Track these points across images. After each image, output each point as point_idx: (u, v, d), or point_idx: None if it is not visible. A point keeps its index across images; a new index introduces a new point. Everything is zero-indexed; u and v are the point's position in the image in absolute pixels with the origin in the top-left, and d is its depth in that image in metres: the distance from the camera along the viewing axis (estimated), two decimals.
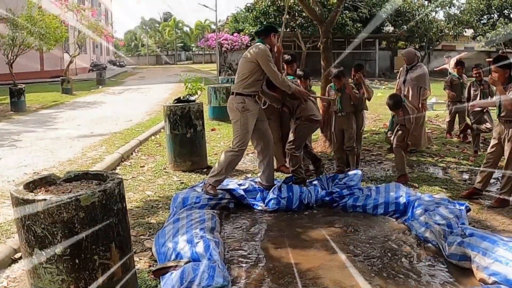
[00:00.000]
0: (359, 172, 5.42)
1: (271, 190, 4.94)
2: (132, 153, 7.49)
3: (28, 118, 12.33)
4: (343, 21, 23.97)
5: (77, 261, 2.40)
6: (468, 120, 7.80)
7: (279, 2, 23.84)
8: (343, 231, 4.22)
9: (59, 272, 2.40)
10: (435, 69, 17.71)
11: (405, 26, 28.46)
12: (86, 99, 17.31)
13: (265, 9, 24.95)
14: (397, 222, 4.47)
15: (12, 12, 14.99)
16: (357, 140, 6.03)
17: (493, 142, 4.94)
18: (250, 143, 5.11)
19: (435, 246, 3.82)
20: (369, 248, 3.84)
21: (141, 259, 3.63)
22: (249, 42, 27.03)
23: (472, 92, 7.50)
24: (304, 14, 21.86)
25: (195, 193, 4.68)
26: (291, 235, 4.17)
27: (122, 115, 12.36)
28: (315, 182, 5.26)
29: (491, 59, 5.21)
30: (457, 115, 8.33)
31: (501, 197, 4.79)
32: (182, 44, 69.46)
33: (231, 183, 5.10)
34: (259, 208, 4.83)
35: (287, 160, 5.59)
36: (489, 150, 4.99)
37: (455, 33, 29.54)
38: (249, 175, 5.91)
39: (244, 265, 3.58)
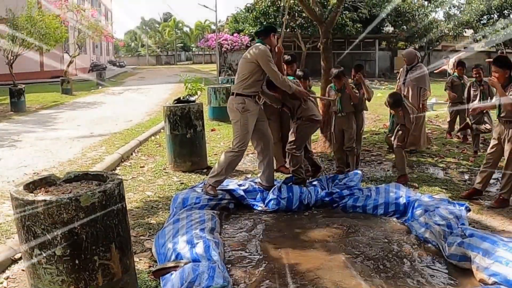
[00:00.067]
0: (359, 172, 5.43)
1: (271, 190, 4.93)
2: (132, 154, 7.50)
3: (28, 119, 12.34)
4: (343, 21, 23.99)
5: (77, 261, 2.40)
6: (468, 120, 7.80)
7: (279, 3, 23.84)
8: (343, 232, 4.22)
9: (59, 272, 2.40)
10: (434, 71, 17.72)
11: (405, 27, 28.49)
12: (86, 100, 17.32)
13: (265, 10, 24.96)
14: (397, 223, 4.47)
15: (12, 13, 15.00)
16: (357, 140, 6.03)
17: (493, 142, 4.94)
18: (250, 144, 5.11)
19: (435, 246, 3.82)
20: (369, 248, 3.83)
21: (141, 259, 3.63)
22: (249, 43, 27.05)
23: (472, 92, 7.51)
24: (304, 15, 21.88)
25: (195, 194, 4.68)
26: (291, 236, 4.17)
27: (122, 115, 12.36)
28: (315, 182, 5.26)
29: (491, 60, 5.22)
30: (458, 116, 8.32)
31: (501, 197, 4.79)
32: (182, 45, 69.47)
33: (231, 183, 5.10)
34: (259, 208, 4.82)
35: (287, 160, 5.59)
36: (489, 150, 5.00)
37: (455, 34, 29.55)
38: (249, 176, 5.91)
39: (244, 265, 3.58)
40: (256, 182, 5.18)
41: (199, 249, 3.38)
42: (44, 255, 2.40)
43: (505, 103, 4.63)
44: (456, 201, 4.56)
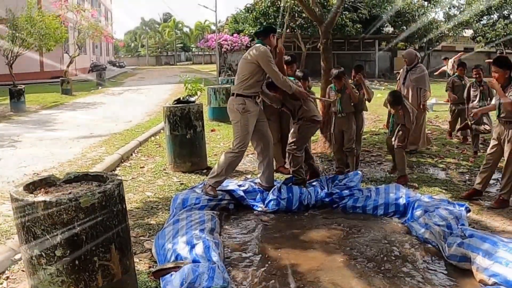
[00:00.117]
0: (359, 173, 5.43)
1: (271, 191, 4.93)
2: (132, 154, 7.49)
3: (28, 119, 12.34)
4: (343, 22, 23.99)
5: (77, 262, 2.40)
6: (467, 121, 7.80)
7: (279, 3, 23.84)
8: (342, 232, 4.22)
9: (58, 273, 2.40)
10: (434, 74, 17.73)
11: (405, 27, 28.48)
12: (86, 100, 17.32)
13: (264, 10, 24.97)
14: (397, 223, 4.47)
15: (12, 13, 15.00)
16: (356, 141, 6.03)
17: (492, 143, 4.94)
18: (249, 144, 5.11)
19: (435, 247, 3.82)
20: (369, 249, 3.83)
21: (141, 260, 3.63)
22: (249, 43, 27.05)
23: (472, 92, 7.51)
24: (304, 15, 21.88)
25: (195, 194, 4.68)
26: (290, 236, 4.17)
27: (121, 116, 12.36)
28: (315, 183, 5.26)
29: (490, 60, 5.22)
30: (460, 117, 8.31)
31: (501, 198, 4.79)
32: (182, 45, 69.47)
33: (231, 184, 5.10)
34: (259, 209, 4.82)
35: (287, 161, 5.59)
36: (488, 151, 5.00)
37: (455, 34, 29.55)
38: (248, 176, 5.91)
39: (244, 266, 3.58)
40: (256, 183, 5.18)
41: (199, 249, 3.38)
42: (44, 255, 2.40)
43: (505, 104, 4.63)
44: (456, 202, 4.56)
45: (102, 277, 2.49)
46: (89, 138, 9.07)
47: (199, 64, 56.61)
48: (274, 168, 5.56)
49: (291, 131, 5.48)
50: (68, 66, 22.42)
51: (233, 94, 4.94)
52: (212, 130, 9.47)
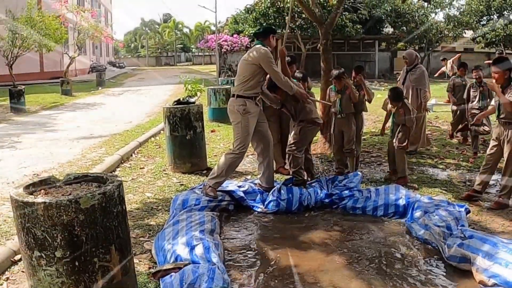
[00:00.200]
0: (359, 174, 5.43)
1: (271, 192, 4.93)
2: (131, 155, 7.49)
3: (28, 120, 12.33)
4: (343, 22, 24.00)
5: (77, 263, 2.41)
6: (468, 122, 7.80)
7: (279, 4, 23.85)
8: (342, 233, 4.23)
9: (59, 274, 2.41)
10: (435, 75, 17.77)
11: (404, 28, 28.52)
12: (85, 101, 17.32)
13: (264, 11, 24.97)
14: (396, 224, 4.47)
15: (12, 14, 14.99)
16: (356, 141, 6.04)
17: (492, 143, 4.94)
18: (249, 145, 5.11)
19: (435, 248, 3.82)
20: (369, 250, 3.84)
21: (140, 261, 3.63)
22: (249, 44, 27.05)
23: (471, 93, 7.52)
24: (304, 16, 21.88)
25: (195, 195, 4.68)
26: (290, 237, 4.17)
27: (121, 116, 12.36)
28: (314, 184, 5.26)
29: (490, 61, 5.23)
30: (462, 119, 8.28)
31: (500, 199, 4.79)
32: (181, 46, 69.50)
33: (231, 184, 5.10)
34: (259, 210, 4.82)
35: (286, 161, 5.60)
36: (488, 151, 5.00)
37: (455, 35, 29.58)
38: (248, 177, 5.91)
39: (243, 267, 3.58)
40: (255, 184, 5.18)
41: (199, 250, 3.38)
42: (44, 257, 2.40)
43: (505, 104, 4.64)
44: (455, 203, 4.57)
45: (102, 278, 2.49)
46: (89, 138, 9.07)
47: (199, 65, 56.63)
48: (274, 169, 5.56)
49: (292, 132, 5.48)
50: (68, 67, 22.39)
51: (233, 95, 4.93)
52: (212, 131, 9.47)
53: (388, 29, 30.52)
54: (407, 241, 4.03)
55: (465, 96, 7.68)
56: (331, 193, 5.00)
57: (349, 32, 24.69)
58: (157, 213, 4.74)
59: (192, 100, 6.85)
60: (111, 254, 2.52)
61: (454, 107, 8.26)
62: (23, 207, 2.40)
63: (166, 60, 66.20)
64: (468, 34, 31.42)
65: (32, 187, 2.68)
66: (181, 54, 71.29)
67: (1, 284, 3.32)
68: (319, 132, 7.04)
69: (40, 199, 2.42)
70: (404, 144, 5.56)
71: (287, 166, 5.72)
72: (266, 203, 4.84)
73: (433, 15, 29.58)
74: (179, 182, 5.85)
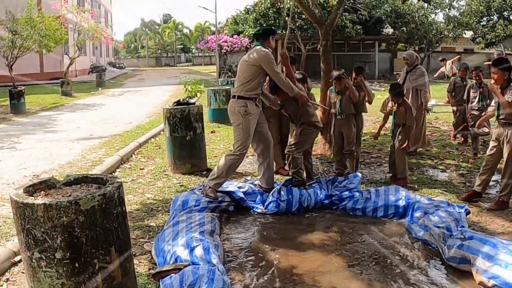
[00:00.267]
0: (359, 174, 5.44)
1: (271, 193, 4.93)
2: (131, 156, 7.49)
3: (28, 120, 12.34)
4: (343, 23, 24.01)
5: (77, 264, 2.41)
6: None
7: (279, 4, 23.86)
8: (342, 234, 4.23)
9: (59, 275, 2.41)
10: (434, 76, 17.78)
11: (404, 28, 28.52)
12: (85, 101, 17.32)
13: (264, 11, 24.99)
14: (396, 225, 4.47)
15: (12, 14, 15.00)
16: (356, 142, 6.04)
17: (492, 144, 4.94)
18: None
19: (435, 249, 3.82)
20: (369, 251, 3.84)
21: (140, 262, 3.63)
22: (249, 44, 27.04)
23: (471, 94, 7.51)
24: (304, 16, 21.89)
25: (195, 196, 4.68)
26: (290, 238, 4.17)
27: (121, 117, 12.36)
28: (314, 185, 5.26)
29: (490, 62, 5.24)
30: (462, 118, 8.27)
31: (500, 199, 4.80)
32: (181, 46, 69.52)
33: (231, 185, 5.10)
34: (259, 211, 4.82)
35: (286, 162, 5.60)
36: (488, 152, 5.00)
37: (455, 35, 29.59)
38: (248, 178, 5.91)
39: (243, 268, 3.58)
40: (255, 184, 5.18)
41: (199, 251, 3.38)
42: (44, 258, 2.40)
43: (504, 105, 4.64)
44: (455, 204, 4.57)
45: (102, 280, 2.49)
46: (89, 139, 9.08)
47: (199, 65, 56.64)
48: (274, 169, 5.56)
49: (293, 133, 5.49)
50: (68, 68, 22.40)
51: (234, 96, 4.93)
52: (212, 132, 9.47)
53: (388, 30, 30.53)
54: (407, 242, 4.03)
55: (465, 97, 7.68)
56: (331, 194, 5.00)
57: (349, 32, 24.70)
58: (157, 214, 4.74)
59: (192, 101, 6.85)
60: (111, 255, 2.52)
61: (455, 108, 8.26)
62: (23, 208, 2.40)
63: (166, 61, 66.22)
64: (468, 34, 31.43)
65: (32, 188, 2.68)
66: (181, 55, 71.31)
67: (1, 285, 3.32)
68: (319, 133, 7.05)
69: (40, 200, 2.42)
70: (406, 145, 5.55)
71: (286, 167, 5.72)
72: (266, 204, 4.84)
73: (433, 15, 29.60)
74: (179, 183, 5.85)
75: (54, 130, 10.47)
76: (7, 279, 3.41)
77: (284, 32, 5.63)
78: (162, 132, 9.04)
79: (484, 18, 29.39)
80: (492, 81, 4.81)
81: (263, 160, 5.10)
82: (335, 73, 5.81)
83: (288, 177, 5.42)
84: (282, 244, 4.02)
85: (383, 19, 27.96)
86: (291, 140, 5.52)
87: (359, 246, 3.94)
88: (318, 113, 6.41)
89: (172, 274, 3.12)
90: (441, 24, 29.74)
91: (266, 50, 4.84)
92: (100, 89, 22.59)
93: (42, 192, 2.67)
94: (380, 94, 15.00)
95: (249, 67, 4.83)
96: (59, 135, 9.63)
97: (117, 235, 2.57)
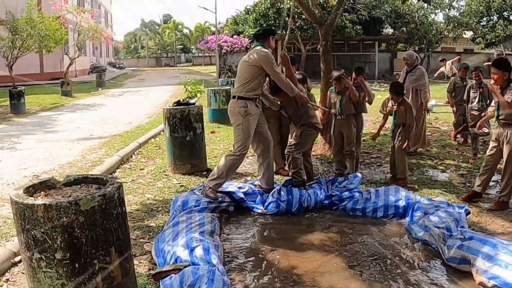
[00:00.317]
0: (359, 175, 5.43)
1: (271, 193, 4.93)
2: (131, 156, 7.49)
3: (28, 121, 12.34)
4: (343, 23, 24.01)
5: (76, 265, 2.41)
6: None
7: (279, 5, 23.86)
8: (342, 235, 4.23)
9: (58, 276, 2.41)
10: (434, 76, 17.79)
11: (404, 28, 28.53)
12: (85, 101, 17.32)
13: (264, 12, 24.99)
14: (396, 225, 4.47)
15: (12, 15, 15.00)
16: (356, 143, 6.04)
17: (492, 144, 4.94)
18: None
19: (435, 249, 3.82)
20: (368, 251, 3.84)
21: (140, 262, 3.63)
22: (249, 45, 27.04)
23: (471, 94, 7.51)
24: (303, 17, 21.89)
25: (195, 196, 4.68)
26: (290, 239, 4.17)
27: (121, 117, 12.36)
28: (314, 185, 5.26)
29: (489, 63, 5.24)
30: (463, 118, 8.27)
31: (500, 200, 4.80)
32: (181, 46, 69.50)
33: (231, 186, 5.10)
34: (259, 211, 4.82)
35: (286, 163, 5.60)
36: (488, 152, 5.00)
37: (455, 35, 29.60)
38: (248, 178, 5.91)
39: (243, 268, 3.58)
40: (255, 185, 5.18)
41: (199, 252, 3.39)
42: (44, 258, 2.40)
43: (504, 106, 4.64)
44: (455, 204, 4.57)
45: (102, 280, 2.49)
46: (89, 139, 9.08)
47: (199, 66, 56.62)
48: (274, 170, 5.56)
49: (293, 134, 5.50)
50: (68, 68, 22.40)
51: (234, 97, 4.93)
52: (212, 132, 9.47)
53: (388, 30, 30.54)
54: (407, 243, 4.03)
55: (465, 97, 7.68)
56: (331, 195, 5.00)
57: (349, 33, 24.71)
58: (157, 214, 4.74)
59: (192, 101, 6.85)
60: (111, 256, 2.52)
61: (455, 108, 8.26)
62: (23, 209, 2.40)
63: (166, 61, 66.20)
64: (468, 35, 31.43)
65: (32, 189, 2.68)
66: (181, 55, 71.30)
67: (1, 286, 3.32)
68: (319, 134, 7.05)
69: (40, 200, 2.43)
70: (406, 145, 5.55)
71: (286, 168, 5.72)
72: (266, 204, 4.84)
73: (433, 15, 29.61)
74: (179, 183, 5.86)
75: (54, 130, 10.47)
76: (7, 280, 3.41)
77: (284, 32, 5.62)
78: (162, 133, 9.04)
79: (484, 18, 29.38)
80: (492, 82, 4.81)
81: (263, 161, 5.10)
82: (335, 74, 5.81)
83: (288, 178, 5.43)
84: (282, 244, 4.02)
85: (383, 19, 27.97)
86: (291, 140, 5.52)
87: (359, 246, 3.94)
88: (318, 114, 6.41)
89: (172, 275, 3.12)
90: (441, 24, 29.73)
91: (266, 50, 4.84)
92: (100, 89, 22.59)
93: (42, 192, 2.67)
94: (380, 94, 15.00)
95: (249, 67, 4.83)
96: (59, 135, 9.63)
97: (117, 236, 2.57)
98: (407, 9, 27.86)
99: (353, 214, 4.76)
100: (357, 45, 29.23)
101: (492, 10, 28.53)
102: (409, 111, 5.58)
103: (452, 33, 29.34)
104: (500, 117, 4.76)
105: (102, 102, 16.82)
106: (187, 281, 2.96)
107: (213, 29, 42.51)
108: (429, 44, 29.64)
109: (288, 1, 20.27)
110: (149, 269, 3.52)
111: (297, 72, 6.08)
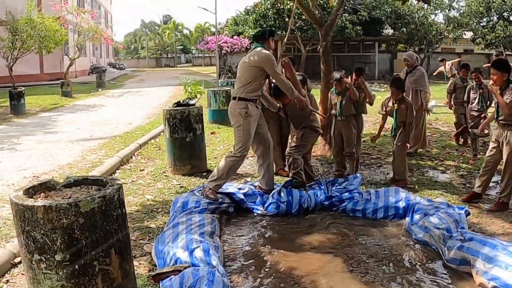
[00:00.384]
0: (359, 176, 5.43)
1: (271, 194, 4.93)
2: (131, 157, 7.49)
3: (28, 121, 12.34)
4: (343, 24, 24.04)
5: (76, 266, 2.41)
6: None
7: (279, 5, 23.87)
8: (342, 236, 4.23)
9: (58, 278, 2.41)
10: (433, 74, 17.83)
11: (404, 29, 28.54)
12: (85, 102, 17.32)
13: (264, 12, 25.00)
14: (396, 226, 4.47)
15: (11, 15, 15.00)
16: (356, 143, 6.03)
17: (492, 145, 4.94)
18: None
19: (435, 250, 3.82)
20: (368, 252, 3.84)
21: (140, 263, 3.63)
22: (249, 45, 27.04)
23: (471, 95, 7.51)
24: (303, 17, 21.90)
25: (195, 197, 4.68)
26: (290, 240, 4.17)
27: (121, 118, 12.36)
28: (314, 186, 5.26)
29: (489, 64, 5.25)
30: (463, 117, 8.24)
31: (500, 200, 4.80)
32: (181, 47, 69.51)
33: (231, 187, 5.10)
34: (259, 212, 4.82)
35: (286, 164, 5.60)
36: (488, 153, 5.00)
37: (455, 36, 29.62)
38: (248, 179, 5.91)
39: (243, 270, 3.58)
40: (255, 186, 5.18)
41: (199, 253, 3.38)
42: (44, 260, 2.40)
43: (503, 106, 4.64)
44: (455, 205, 4.57)
45: (102, 282, 2.49)
46: (89, 140, 9.07)
47: (199, 66, 56.60)
48: (274, 171, 5.56)
49: (294, 136, 5.50)
50: (68, 68, 22.40)
51: (234, 98, 4.92)
52: (212, 133, 9.47)
53: (388, 31, 30.56)
54: (407, 244, 4.03)
55: (465, 98, 7.68)
56: (331, 196, 5.00)
57: (349, 33, 24.73)
58: (157, 215, 4.74)
59: (192, 102, 6.86)
60: (111, 257, 2.52)
61: (454, 108, 8.26)
62: (23, 210, 2.40)
63: (166, 62, 66.20)
64: (468, 35, 31.45)
65: (32, 190, 2.68)
66: (181, 56, 71.29)
67: (1, 287, 3.32)
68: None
69: (40, 202, 2.42)
70: (406, 143, 5.55)
71: (286, 168, 5.72)
72: (266, 205, 4.84)
73: (433, 16, 29.62)
74: (179, 184, 5.85)
75: (54, 131, 10.47)
76: (7, 281, 3.41)
77: (284, 33, 5.62)
78: (162, 133, 9.03)
79: (484, 19, 29.43)
80: (491, 82, 4.82)
81: (263, 162, 5.10)
82: (336, 75, 5.80)
83: (288, 179, 5.43)
84: (282, 245, 4.02)
85: (383, 20, 27.98)
86: (291, 142, 5.52)
87: (359, 247, 3.94)
88: (320, 110, 6.42)
89: (172, 276, 3.12)
90: (441, 25, 29.75)
91: (267, 51, 4.84)
92: (100, 90, 22.59)
93: (42, 194, 2.67)
94: (380, 95, 15.00)
95: (250, 68, 4.82)
96: (59, 136, 9.63)
97: (117, 237, 2.57)
98: (407, 10, 27.88)
99: (353, 215, 4.76)
100: (357, 46, 29.25)
101: (492, 10, 28.57)
102: (410, 109, 5.58)
103: (452, 34, 29.36)
104: (500, 118, 4.77)
105: (102, 103, 16.82)
106: (187, 282, 2.96)
107: (213, 29, 42.54)
108: (429, 44, 29.66)
109: (288, 2, 20.31)
110: (149, 270, 3.52)
111: (297, 73, 6.08)
